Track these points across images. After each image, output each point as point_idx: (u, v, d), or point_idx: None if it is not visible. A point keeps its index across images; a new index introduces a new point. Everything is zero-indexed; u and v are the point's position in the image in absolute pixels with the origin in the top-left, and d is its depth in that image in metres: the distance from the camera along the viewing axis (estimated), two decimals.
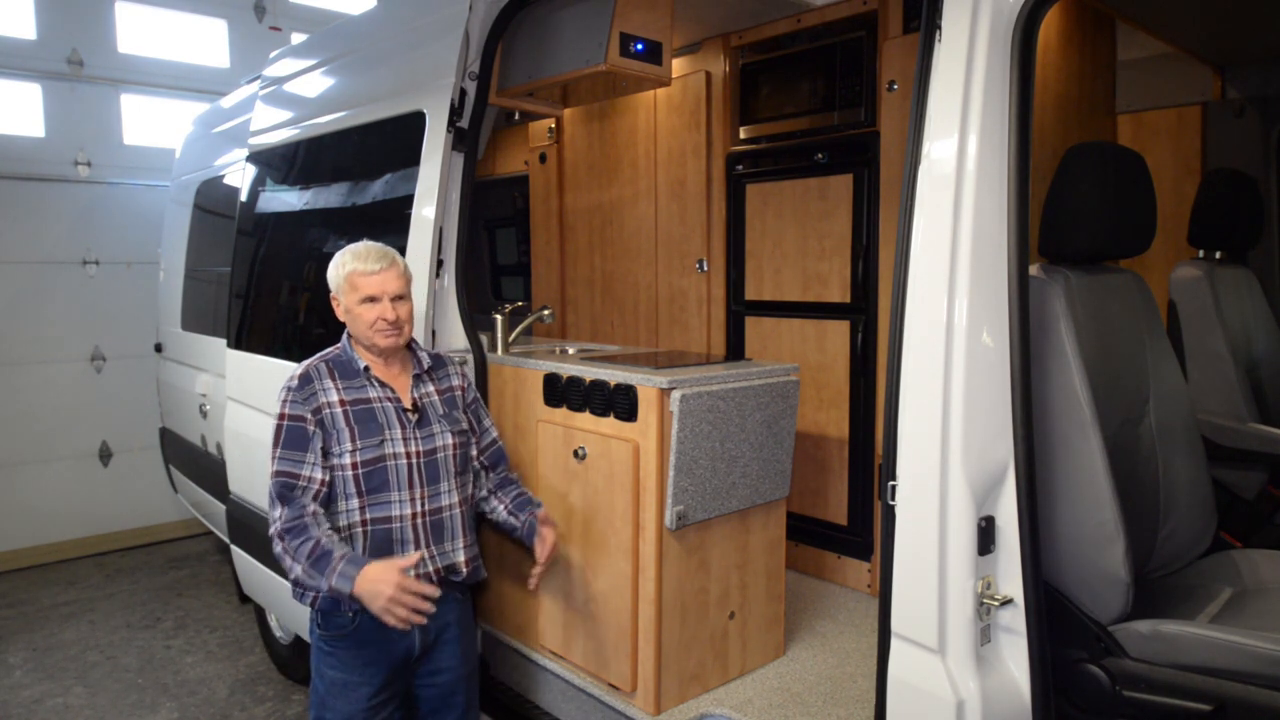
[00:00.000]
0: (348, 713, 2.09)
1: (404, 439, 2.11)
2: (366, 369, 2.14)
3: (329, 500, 2.08)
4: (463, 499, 2.22)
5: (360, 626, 2.07)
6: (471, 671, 2.29)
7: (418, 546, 2.11)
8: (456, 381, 2.31)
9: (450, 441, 2.19)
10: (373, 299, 2.09)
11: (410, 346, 2.25)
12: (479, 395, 2.41)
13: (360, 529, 2.08)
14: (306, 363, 2.15)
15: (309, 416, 2.05)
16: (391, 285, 2.11)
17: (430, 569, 2.12)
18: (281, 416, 2.07)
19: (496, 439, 2.39)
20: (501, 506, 2.34)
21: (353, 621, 2.08)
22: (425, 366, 2.23)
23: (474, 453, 2.32)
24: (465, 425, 2.26)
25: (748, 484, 2.37)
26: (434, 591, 2.00)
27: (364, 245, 2.16)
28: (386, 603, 1.91)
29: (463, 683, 2.24)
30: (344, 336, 2.19)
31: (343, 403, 2.09)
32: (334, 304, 2.18)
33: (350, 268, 2.12)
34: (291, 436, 2.05)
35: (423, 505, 2.12)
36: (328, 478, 2.05)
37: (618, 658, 2.31)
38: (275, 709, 3.60)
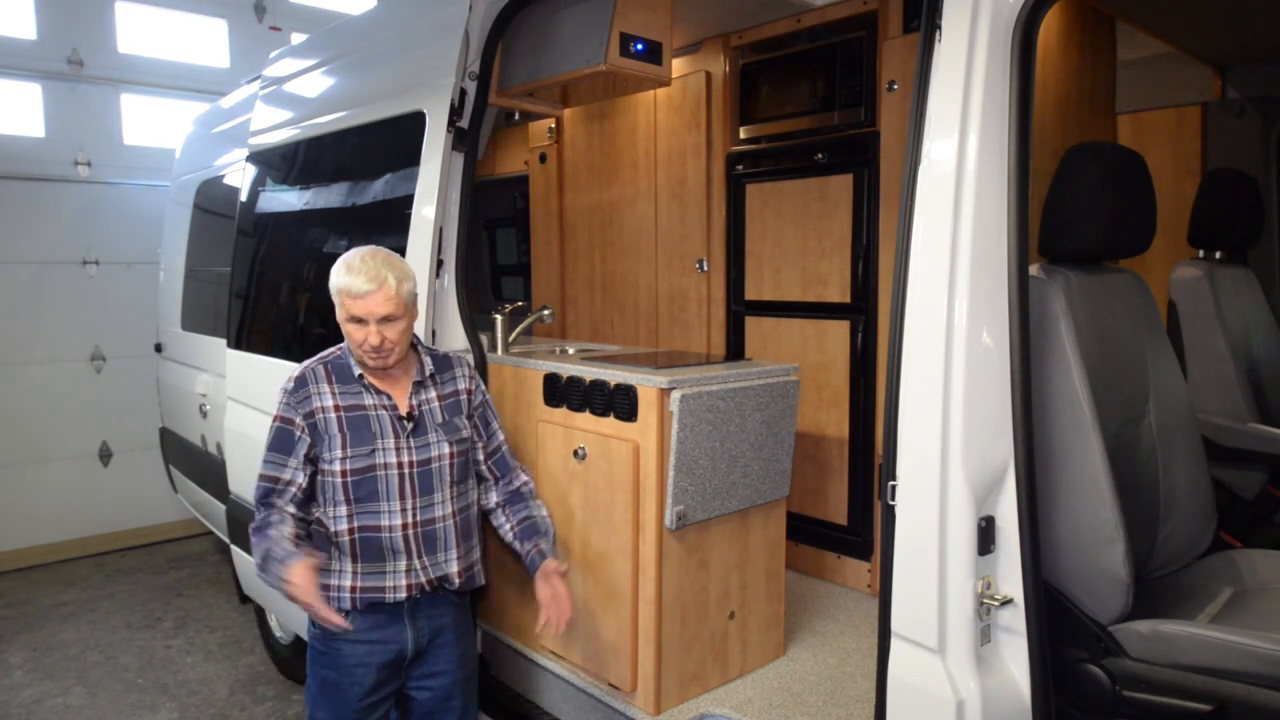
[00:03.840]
0: (339, 713, 2.08)
1: (396, 449, 2.08)
2: (361, 376, 2.10)
3: (307, 502, 2.09)
4: (458, 509, 2.18)
5: (352, 627, 2.07)
6: (469, 674, 2.27)
7: (409, 557, 2.09)
8: (463, 385, 2.25)
9: (447, 451, 2.15)
10: (359, 320, 2.02)
11: (415, 349, 2.20)
12: (488, 398, 2.34)
13: (348, 536, 2.06)
14: (305, 364, 2.14)
15: (298, 421, 2.05)
16: (379, 308, 1.99)
17: (423, 579, 2.10)
18: (275, 418, 2.08)
19: (501, 444, 2.32)
20: (508, 525, 2.29)
21: (345, 621, 2.07)
22: (428, 372, 2.18)
23: (480, 457, 2.28)
24: (466, 433, 2.21)
25: (748, 484, 2.37)
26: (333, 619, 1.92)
27: (359, 257, 2.03)
28: (286, 595, 1.90)
29: (459, 686, 2.22)
30: (345, 339, 2.17)
31: (337, 408, 2.07)
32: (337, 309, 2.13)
33: (339, 282, 2.01)
34: (279, 440, 2.06)
35: (414, 516, 2.09)
36: (306, 481, 2.07)
37: (618, 658, 2.31)
38: (275, 709, 3.60)
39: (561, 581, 2.17)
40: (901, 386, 1.63)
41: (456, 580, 2.16)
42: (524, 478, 2.35)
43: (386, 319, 2.02)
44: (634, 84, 2.94)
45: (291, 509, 2.05)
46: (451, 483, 2.17)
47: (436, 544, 2.14)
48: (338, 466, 2.04)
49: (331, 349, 2.18)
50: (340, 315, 2.05)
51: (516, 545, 2.27)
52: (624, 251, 3.85)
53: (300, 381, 2.09)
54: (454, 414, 2.21)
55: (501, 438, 2.34)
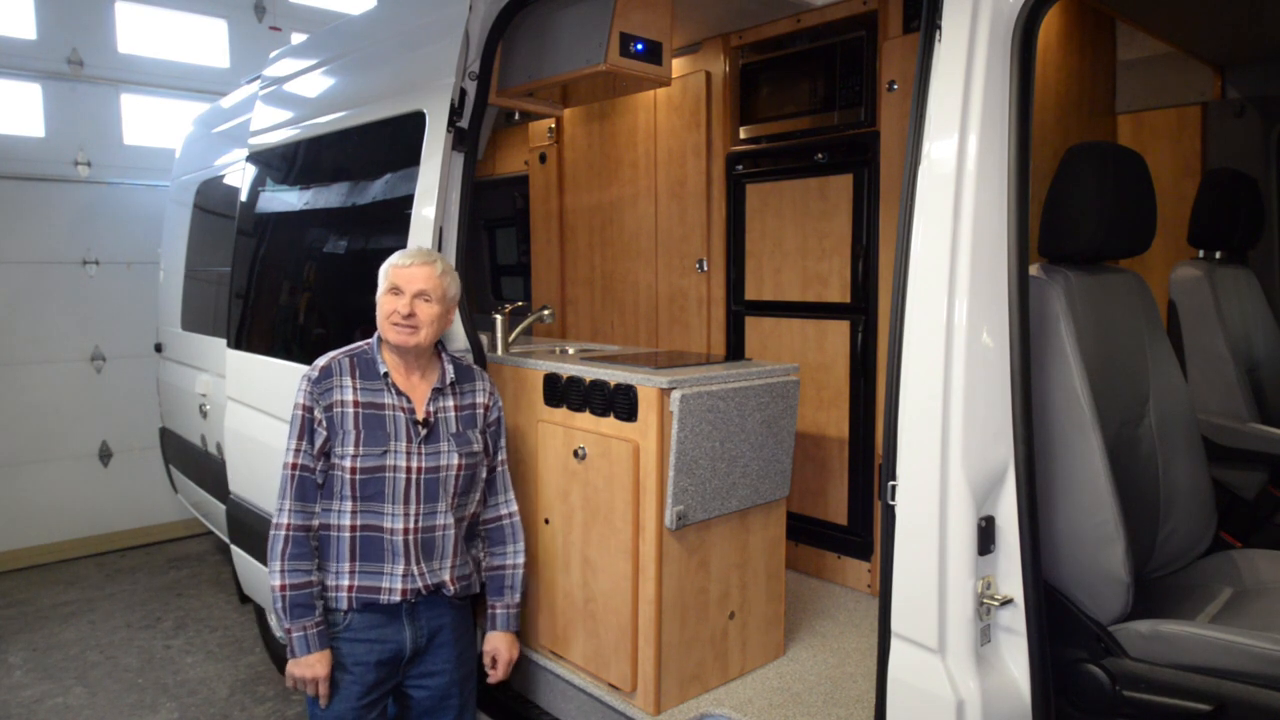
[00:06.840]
0: (338, 711, 2.09)
1: (408, 453, 2.09)
2: (386, 375, 2.13)
3: (326, 495, 2.11)
4: (459, 519, 2.20)
5: (350, 626, 2.09)
6: (467, 674, 2.28)
7: (407, 561, 2.10)
8: (481, 399, 2.26)
9: (456, 462, 2.15)
10: (396, 290, 2.10)
11: (440, 355, 2.23)
12: (503, 419, 2.34)
13: (349, 533, 2.07)
14: (331, 354, 2.15)
15: (318, 414, 2.07)
16: (419, 281, 2.10)
17: (419, 584, 2.12)
18: (298, 406, 2.10)
19: (500, 465, 2.33)
20: (482, 560, 2.33)
21: (344, 620, 2.09)
22: (449, 380, 2.20)
23: (482, 474, 2.28)
24: (477, 447, 2.22)
25: (748, 484, 2.37)
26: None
27: (415, 245, 2.21)
28: (296, 677, 2.05)
29: (457, 685, 2.23)
30: (375, 335, 2.19)
31: (356, 403, 2.09)
32: None
33: (390, 261, 2.15)
34: (304, 427, 2.08)
35: (416, 522, 2.11)
36: (321, 478, 2.10)
37: (618, 658, 2.31)
38: (275, 709, 3.60)
39: (505, 653, 2.29)
40: (901, 386, 1.63)
41: (451, 588, 2.18)
42: (511, 508, 2.35)
43: (421, 295, 2.10)
44: (634, 84, 2.94)
45: (318, 516, 2.10)
46: (455, 494, 2.17)
47: (434, 551, 2.15)
48: (349, 463, 2.05)
49: (359, 343, 2.20)
50: (380, 291, 2.14)
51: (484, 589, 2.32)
52: (624, 251, 3.85)
53: (326, 372, 2.11)
54: (468, 426, 2.22)
55: (502, 458, 2.34)
